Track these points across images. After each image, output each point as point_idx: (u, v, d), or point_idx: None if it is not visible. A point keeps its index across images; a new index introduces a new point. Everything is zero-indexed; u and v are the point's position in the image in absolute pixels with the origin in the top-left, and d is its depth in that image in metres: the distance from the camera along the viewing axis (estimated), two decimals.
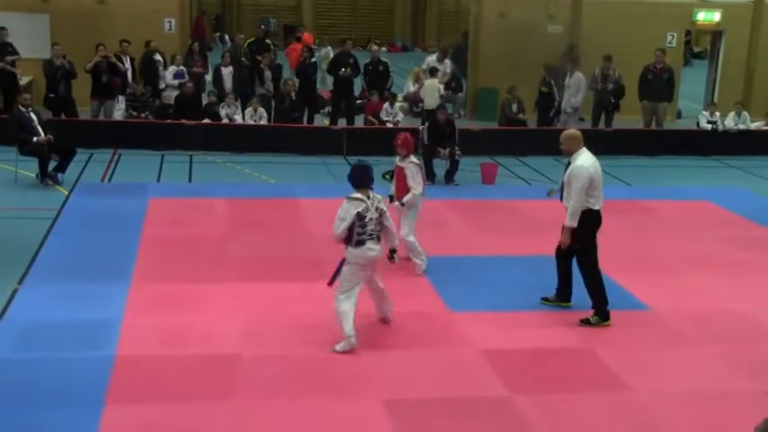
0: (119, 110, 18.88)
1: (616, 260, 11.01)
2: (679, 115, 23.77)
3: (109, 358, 8.32)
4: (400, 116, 19.94)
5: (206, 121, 18.45)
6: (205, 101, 19.35)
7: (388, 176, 16.05)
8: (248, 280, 10.63)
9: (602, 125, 20.36)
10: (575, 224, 9.50)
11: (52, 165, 14.85)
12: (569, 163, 9.64)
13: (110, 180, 15.65)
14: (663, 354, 9.05)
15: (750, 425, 5.95)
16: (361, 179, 8.94)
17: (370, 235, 8.83)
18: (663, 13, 23.19)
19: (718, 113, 20.32)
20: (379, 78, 20.50)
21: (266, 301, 10.01)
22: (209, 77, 20.87)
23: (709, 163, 19.26)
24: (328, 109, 21.04)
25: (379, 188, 15.61)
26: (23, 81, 19.29)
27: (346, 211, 8.72)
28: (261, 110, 18.75)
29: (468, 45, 23.87)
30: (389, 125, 19.27)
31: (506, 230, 13.17)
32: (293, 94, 19.29)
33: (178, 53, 20.47)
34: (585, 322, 9.61)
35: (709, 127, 20.13)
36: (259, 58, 20.48)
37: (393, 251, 10.64)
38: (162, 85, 19.62)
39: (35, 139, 14.70)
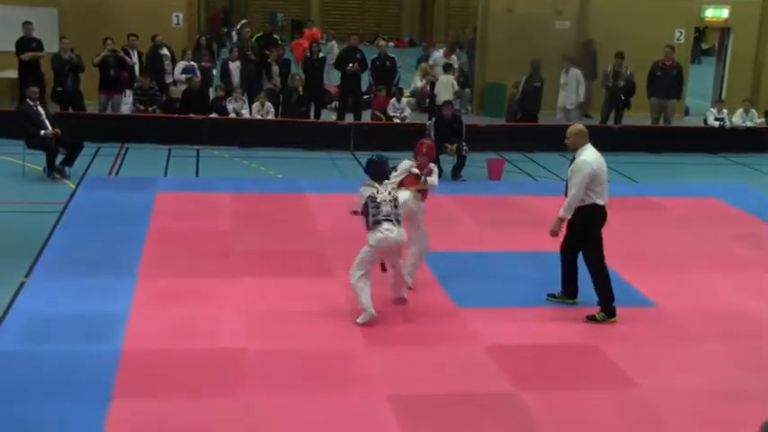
0: (126, 104, 18.89)
1: (622, 257, 10.99)
2: (687, 112, 23.71)
3: (115, 352, 8.33)
4: (407, 111, 19.92)
5: (213, 115, 18.46)
6: (212, 95, 19.37)
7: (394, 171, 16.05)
8: (254, 274, 10.64)
9: (611, 122, 20.35)
10: (567, 215, 9.55)
11: (60, 158, 14.87)
12: (574, 158, 9.65)
13: (117, 174, 15.68)
14: (669, 350, 9.05)
15: (756, 422, 5.93)
16: (375, 174, 9.39)
17: (386, 216, 9.14)
18: (671, 9, 23.10)
19: (725, 110, 20.28)
20: (386, 74, 20.48)
21: (272, 295, 10.02)
22: (216, 72, 20.87)
23: (717, 160, 19.22)
24: (335, 104, 21.05)
25: None
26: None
27: (361, 195, 9.28)
28: (268, 104, 18.77)
29: (476, 40, 23.87)
30: (396, 120, 19.27)
31: (512, 226, 13.16)
32: (300, 89, 19.30)
33: (187, 48, 20.46)
34: (591, 319, 9.61)
35: (716, 124, 20.09)
36: (267, 52, 20.49)
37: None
38: (169, 80, 19.61)
39: (43, 132, 14.73)
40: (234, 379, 7.99)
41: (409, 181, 10.21)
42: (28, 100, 15.07)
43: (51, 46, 18.95)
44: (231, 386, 7.85)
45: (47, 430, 7.04)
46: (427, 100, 21.44)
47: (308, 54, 20.63)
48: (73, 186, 14.33)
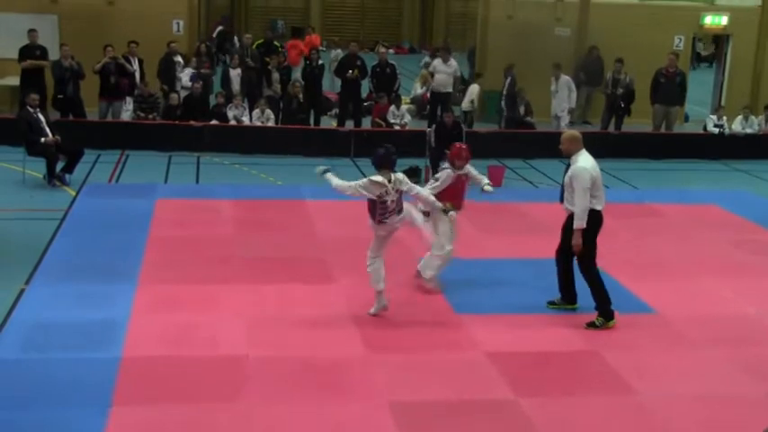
0: (127, 111, 18.92)
1: (622, 263, 11.01)
2: (686, 119, 23.75)
3: (115, 359, 8.33)
4: (408, 118, 19.94)
5: (213, 122, 18.48)
6: (213, 102, 19.39)
7: None
8: (255, 281, 10.64)
9: (611, 128, 20.39)
10: (584, 224, 9.50)
11: (60, 165, 14.88)
12: (569, 165, 9.66)
13: (117, 181, 15.69)
14: (668, 357, 9.05)
15: (756, 427, 5.97)
16: (382, 160, 9.43)
17: (391, 212, 9.40)
18: (670, 16, 23.16)
19: (725, 117, 20.31)
20: (386, 81, 20.50)
21: (273, 302, 10.02)
22: (216, 79, 20.89)
23: (716, 167, 19.24)
24: (335, 111, 21.07)
25: None
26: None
27: (364, 188, 9.29)
28: (268, 111, 18.80)
29: (476, 47, 23.91)
30: (397, 127, 19.29)
31: (512, 233, 13.18)
32: (300, 96, 19.32)
33: (191, 55, 20.50)
34: (591, 325, 9.60)
35: (716, 131, 20.12)
36: (267, 59, 20.52)
37: (445, 211, 10.18)
38: (178, 87, 19.61)
39: (43, 139, 14.74)
40: (234, 386, 7.98)
41: (449, 193, 10.41)
42: (28, 107, 15.08)
43: (52, 53, 18.96)
44: (231, 393, 7.85)
45: None
46: (428, 107, 21.49)
47: (308, 61, 20.66)
48: (73, 193, 14.34)
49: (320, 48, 25.97)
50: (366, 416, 7.59)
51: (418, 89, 23.81)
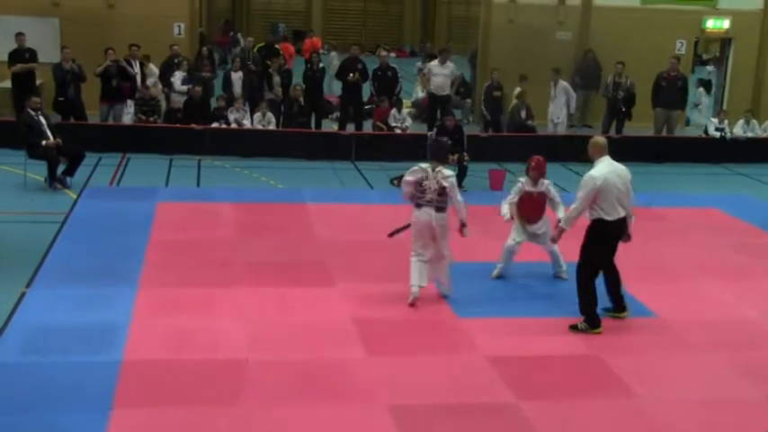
0: (128, 114, 18.93)
1: (623, 266, 10.95)
2: (687, 122, 23.75)
3: (116, 362, 8.33)
4: (409, 122, 19.93)
5: (214, 125, 18.49)
6: (214, 105, 19.40)
7: (395, 182, 16.07)
8: (255, 284, 10.64)
9: (612, 132, 20.38)
10: (566, 227, 9.68)
11: (61, 168, 14.89)
12: None
13: (118, 184, 15.70)
14: (669, 360, 9.04)
15: (755, 430, 5.95)
16: (430, 152, 10.63)
17: (429, 201, 10.03)
18: (672, 20, 23.15)
19: (726, 121, 20.30)
20: (387, 84, 20.49)
21: (273, 305, 10.02)
22: (217, 82, 20.91)
23: (718, 170, 19.23)
24: (337, 114, 21.07)
25: (391, 193, 15.65)
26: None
27: (410, 172, 10.14)
28: (269, 114, 18.80)
29: (478, 51, 23.91)
30: (398, 131, 19.29)
31: None
32: (301, 99, 19.33)
33: (188, 58, 20.50)
34: (573, 328, 9.57)
35: (717, 134, 20.11)
36: (268, 63, 20.52)
37: (463, 225, 10.37)
38: (171, 91, 19.62)
39: (44, 142, 14.75)
40: (234, 389, 7.98)
41: (525, 202, 10.95)
42: (29, 110, 15.07)
43: (53, 56, 18.98)
44: (231, 396, 7.85)
45: None
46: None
47: (308, 65, 20.67)
48: (74, 196, 14.34)
49: (321, 51, 25.99)
50: (366, 419, 7.59)
51: (419, 92, 23.79)
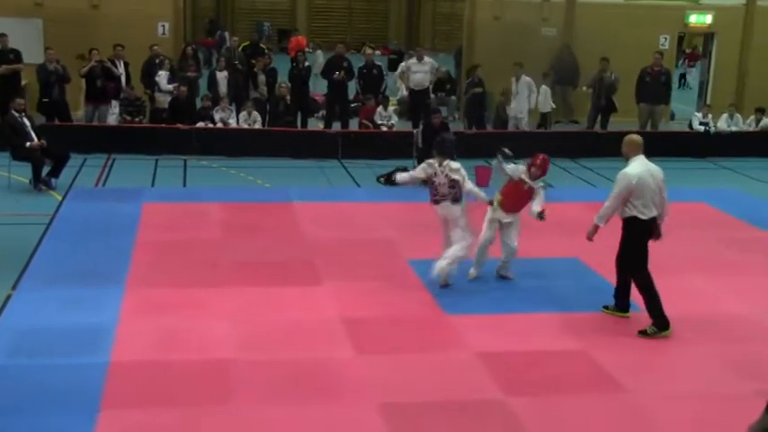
0: (113, 114, 18.85)
1: (611, 261, 10.99)
2: (672, 117, 23.84)
3: (103, 363, 8.29)
4: (395, 119, 19.94)
5: (200, 125, 18.43)
6: (199, 105, 19.34)
7: (381, 179, 16.08)
8: (243, 284, 10.61)
9: (597, 127, 20.45)
10: (600, 223, 9.57)
11: (46, 170, 14.82)
12: None
13: (104, 185, 15.64)
14: (658, 355, 9.07)
15: (745, 425, 5.96)
16: (437, 146, 10.73)
17: (443, 196, 10.47)
18: (655, 15, 23.26)
19: (710, 115, 20.38)
20: (373, 82, 20.46)
21: (261, 305, 9.99)
22: (202, 81, 20.84)
23: (702, 164, 19.30)
24: (323, 113, 21.04)
25: (378, 191, 15.64)
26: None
27: (421, 169, 10.75)
28: (255, 114, 18.76)
29: (463, 48, 23.91)
30: (384, 128, 19.28)
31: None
32: (287, 98, 19.29)
33: (172, 57, 20.42)
34: (643, 333, 9.47)
35: (701, 128, 20.18)
36: (253, 62, 20.48)
37: (490, 203, 10.95)
38: (156, 91, 19.54)
39: (28, 144, 14.68)
40: (223, 389, 7.96)
41: (510, 189, 10.85)
42: (13, 111, 15.00)
43: (36, 57, 18.88)
44: (220, 396, 7.82)
45: None
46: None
47: (294, 63, 20.62)
48: (59, 198, 14.28)
49: (307, 49, 25.95)
50: (356, 417, 7.58)
51: (404, 91, 23.73)
